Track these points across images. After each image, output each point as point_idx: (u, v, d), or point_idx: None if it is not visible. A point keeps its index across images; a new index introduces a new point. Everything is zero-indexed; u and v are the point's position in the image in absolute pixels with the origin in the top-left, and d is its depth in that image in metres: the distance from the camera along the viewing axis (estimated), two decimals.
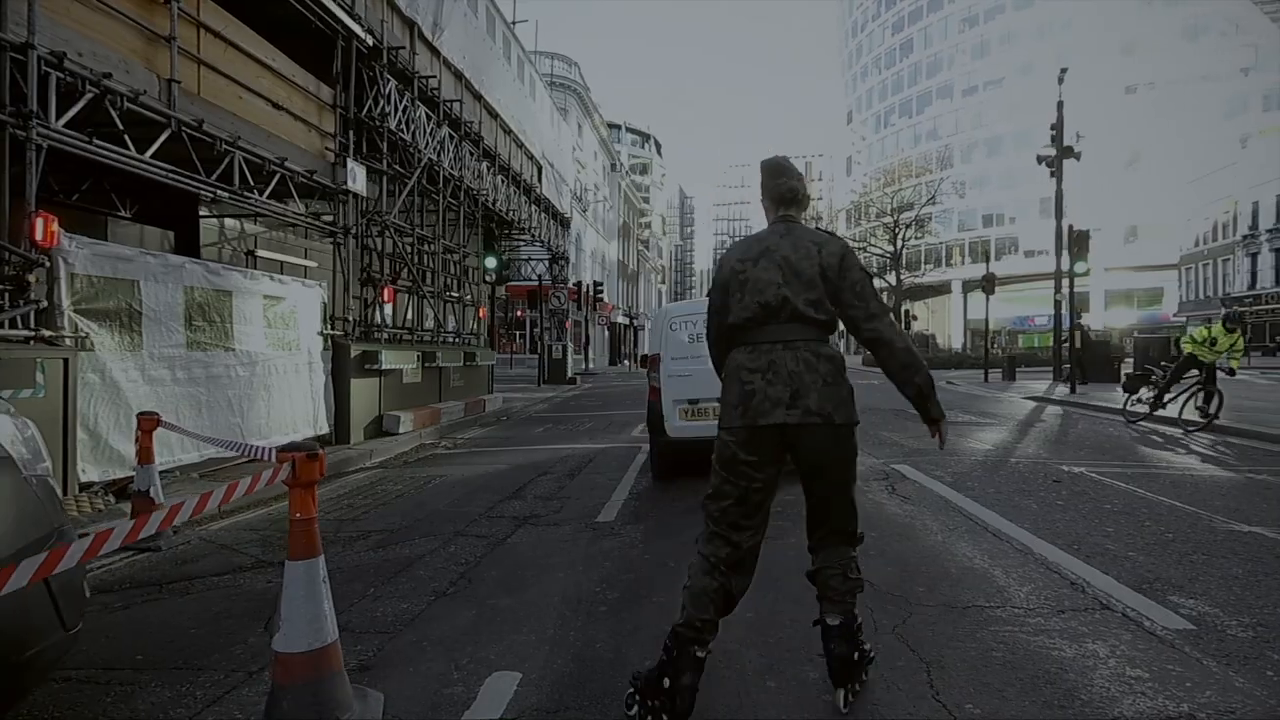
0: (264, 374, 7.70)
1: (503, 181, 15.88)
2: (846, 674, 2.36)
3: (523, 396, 17.14)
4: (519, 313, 30.78)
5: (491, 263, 15.39)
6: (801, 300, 2.28)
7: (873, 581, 3.44)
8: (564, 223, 21.72)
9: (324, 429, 8.83)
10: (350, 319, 9.48)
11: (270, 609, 3.30)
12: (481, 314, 14.44)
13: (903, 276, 52.42)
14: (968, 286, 65.05)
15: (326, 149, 9.37)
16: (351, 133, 9.75)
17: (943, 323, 67.87)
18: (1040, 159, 19.53)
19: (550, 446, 9.43)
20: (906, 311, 42.07)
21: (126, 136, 6.18)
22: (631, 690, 2.29)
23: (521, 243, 20.85)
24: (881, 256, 54.70)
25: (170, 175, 6.57)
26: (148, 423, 5.09)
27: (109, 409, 5.78)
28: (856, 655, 2.38)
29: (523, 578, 3.86)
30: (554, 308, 22.01)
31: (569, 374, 21.91)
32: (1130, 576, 3.51)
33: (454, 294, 13.31)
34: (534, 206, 18.37)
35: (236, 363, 7.27)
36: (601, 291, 28.74)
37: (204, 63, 7.19)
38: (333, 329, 9.18)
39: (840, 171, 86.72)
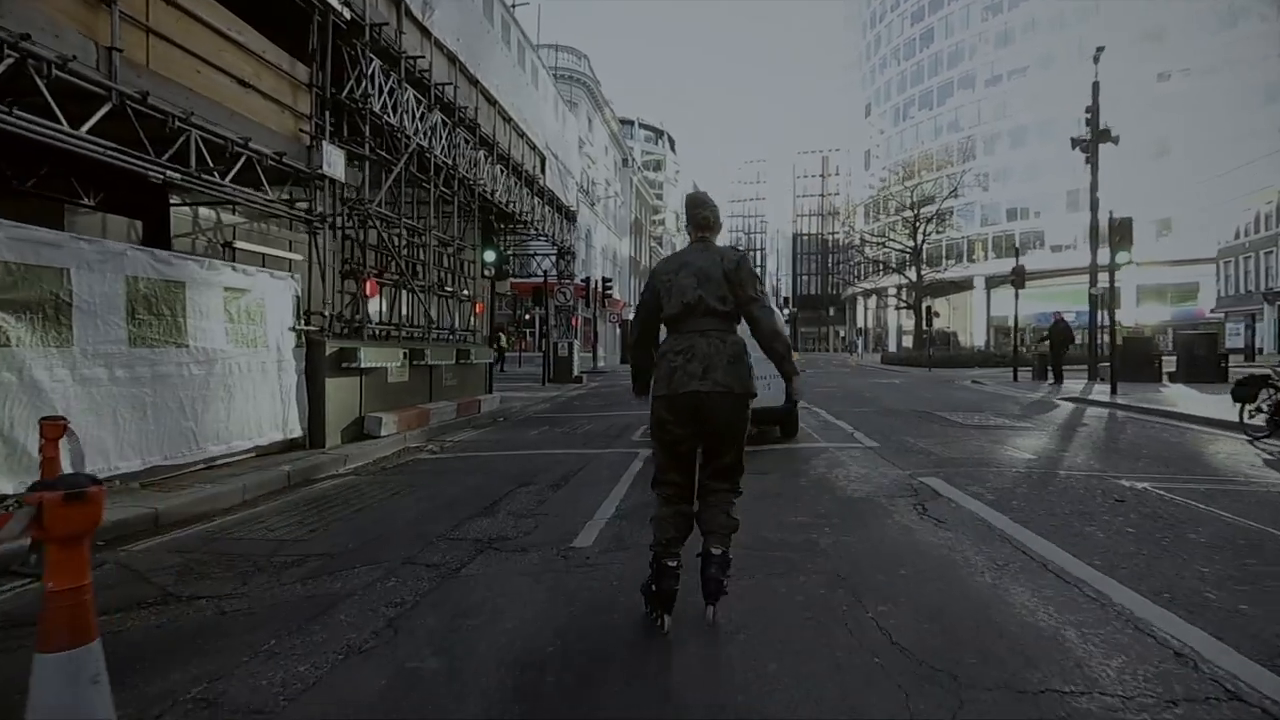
0: (224, 373, 7.04)
1: (502, 172, 15.18)
2: (716, 593, 3.10)
3: (524, 396, 16.46)
4: (528, 312, 30.12)
5: (490, 256, 14.71)
6: (712, 298, 3.07)
7: (903, 645, 2.66)
8: (570, 216, 21.01)
9: (295, 432, 8.17)
10: (327, 314, 8.81)
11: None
12: (479, 310, 13.75)
13: (923, 272, 51.20)
14: (991, 282, 63.65)
15: (301, 131, 8.70)
16: (329, 114, 9.08)
17: (964, 320, 66.38)
18: (1075, 143, 18.48)
19: (540, 452, 8.71)
20: (928, 308, 40.79)
21: (58, 110, 5.53)
22: (646, 595, 3.20)
23: (525, 237, 20.18)
24: (901, 252, 53.47)
25: (109, 153, 5.91)
26: (52, 430, 4.41)
27: (28, 412, 5.11)
28: (723, 579, 3.10)
29: (461, 629, 3.12)
30: (560, 304, 21.31)
31: (575, 372, 21.21)
32: (1254, 644, 2.67)
33: (448, 289, 12.62)
34: (537, 199, 17.67)
35: (190, 360, 6.62)
36: (611, 287, 27.99)
37: (154, 31, 6.52)
38: (308, 324, 8.52)
39: (858, 165, 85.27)
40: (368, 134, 9.78)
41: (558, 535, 4.70)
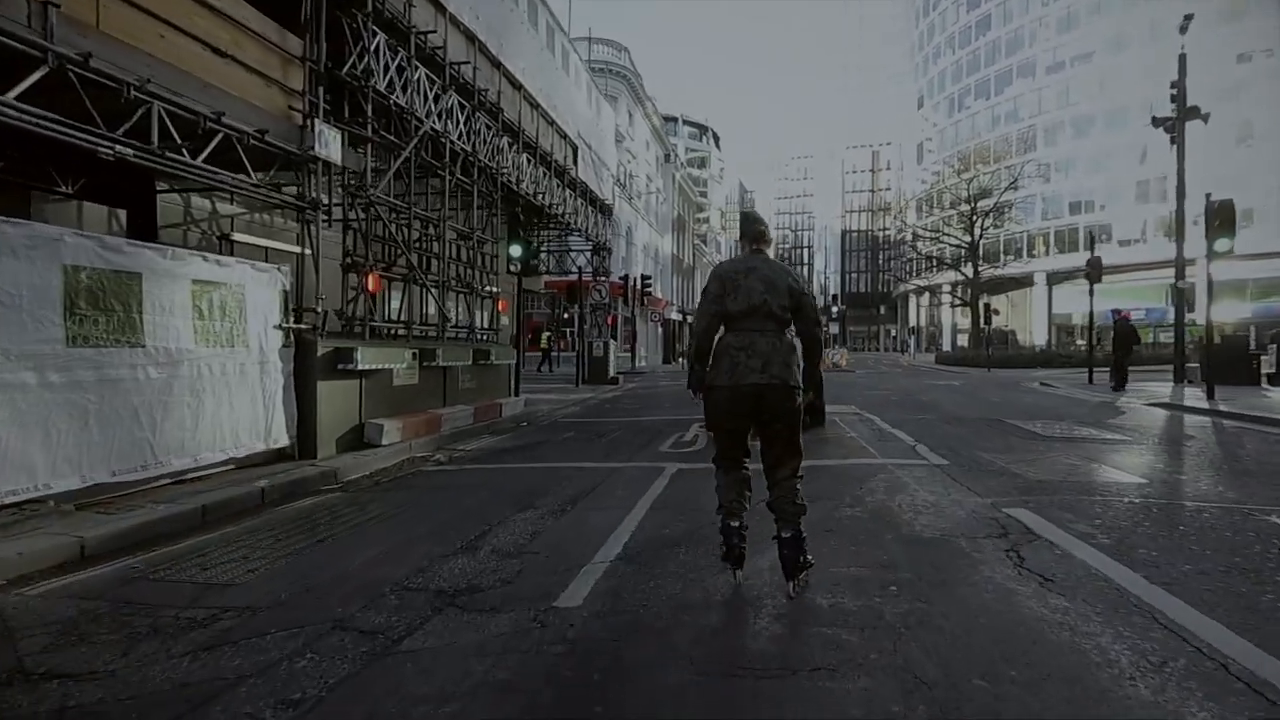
0: (192, 376, 6.24)
1: (529, 161, 14.29)
2: (793, 570, 3.46)
3: (554, 399, 15.54)
4: (566, 311, 29.28)
5: (516, 251, 13.83)
6: (775, 305, 3.51)
7: None
8: (605, 210, 20.04)
9: (282, 441, 7.36)
10: (320, 310, 7.98)
11: None
12: (502, 307, 12.87)
13: (980, 268, 48.81)
14: (1053, 278, 60.48)
15: (292, 109, 7.89)
16: (324, 91, 8.26)
17: (1024, 318, 63.24)
18: (1157, 122, 16.66)
19: (555, 465, 7.72)
20: (986, 305, 38.66)
21: None
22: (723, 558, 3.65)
23: (557, 232, 19.30)
24: (957, 247, 51.07)
25: (39, 124, 5.13)
26: None
27: None
28: (801, 559, 3.45)
29: None
30: (595, 302, 20.36)
31: (611, 373, 20.23)
32: None
33: (466, 284, 11.76)
34: (568, 191, 16.74)
35: (148, 362, 5.82)
36: (651, 285, 26.92)
37: None
38: (299, 322, 7.71)
39: (910, 159, 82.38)
40: (370, 114, 8.95)
41: (541, 587, 3.67)
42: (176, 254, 6.24)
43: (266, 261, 7.83)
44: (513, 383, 12.95)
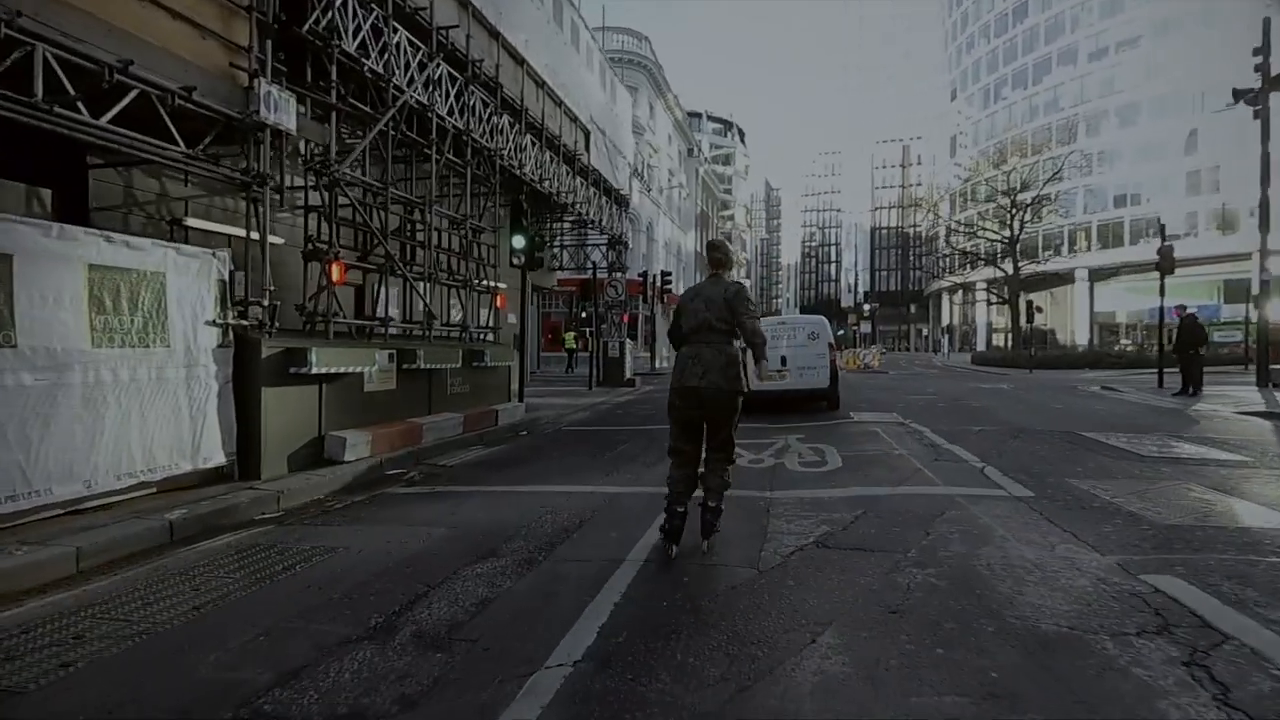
0: (86, 383, 5.06)
1: (533, 144, 13.05)
2: (708, 530, 4.30)
3: (562, 403, 14.28)
4: (584, 310, 28.03)
5: (519, 242, 12.58)
6: (715, 319, 4.23)
7: None
8: (620, 202, 18.74)
9: (215, 460, 6.17)
10: (269, 304, 6.79)
11: None
12: (500, 303, 11.62)
13: (1020, 264, 46.55)
14: (1096, 275, 57.82)
15: (236, 68, 6.72)
16: (278, 50, 7.10)
17: (1063, 316, 60.60)
18: (1238, 95, 14.88)
19: (542, 488, 6.42)
20: (1029, 303, 36.61)
21: None
22: (661, 530, 4.30)
23: (571, 224, 18.05)
24: (992, 244, 48.89)
25: None
26: None
27: None
28: (715, 523, 4.31)
29: None
30: (611, 300, 19.08)
31: (627, 375, 18.92)
32: None
33: (459, 277, 10.54)
34: (579, 179, 15.47)
35: (20, 366, 4.64)
36: (671, 282, 25.57)
37: None
38: (242, 317, 6.52)
39: (943, 153, 79.86)
40: (335, 79, 7.75)
41: (475, 707, 2.37)
42: (66, 232, 5.05)
43: (230, 248, 6.67)
44: (513, 386, 11.70)
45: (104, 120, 5.43)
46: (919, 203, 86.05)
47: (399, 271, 8.87)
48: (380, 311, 8.87)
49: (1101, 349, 46.37)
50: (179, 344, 5.84)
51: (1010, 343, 63.07)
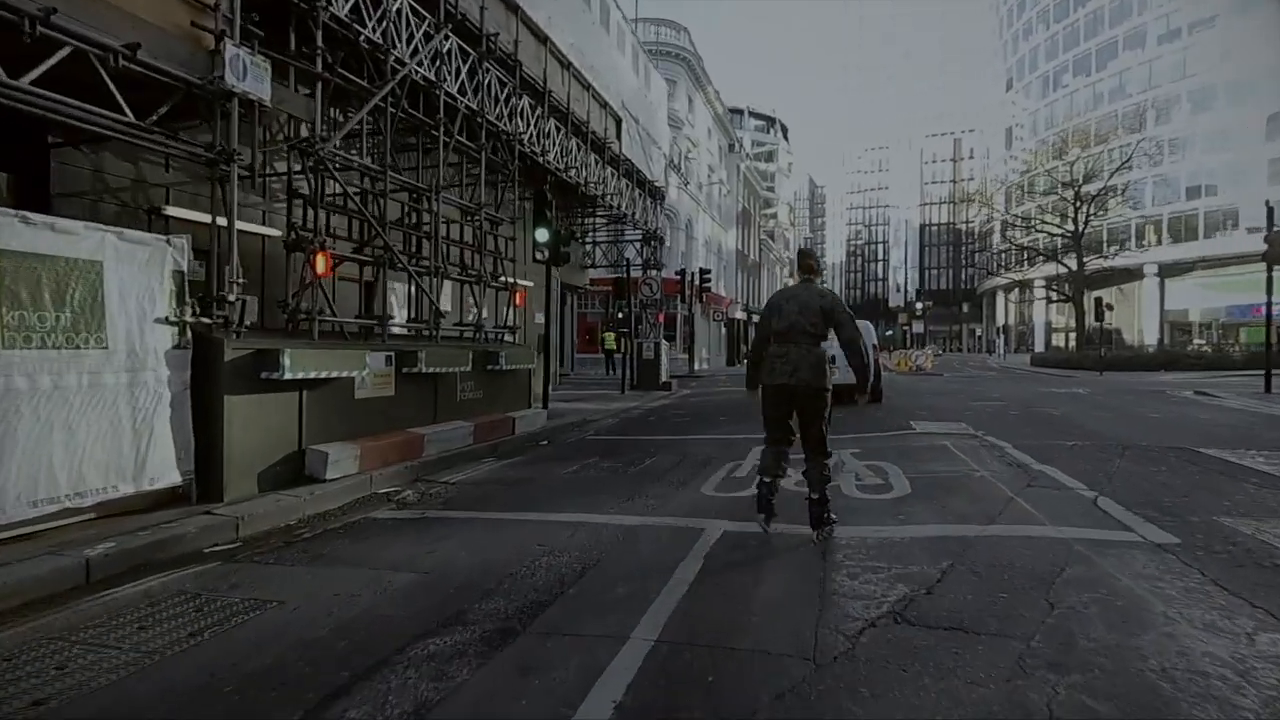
0: None
1: (558, 129, 12.07)
2: (817, 523, 4.54)
3: (591, 409, 13.27)
4: (621, 311, 27.00)
5: (543, 235, 11.62)
6: (806, 323, 4.50)
7: None
8: (655, 194, 17.65)
9: (169, 479, 5.28)
10: (238, 299, 5.91)
11: None
12: (519, 300, 10.64)
13: (1085, 259, 43.77)
14: (1167, 270, 54.41)
15: (199, 28, 5.87)
16: (249, 10, 6.22)
17: (1130, 315, 57.10)
18: None
19: (548, 516, 5.38)
20: (1098, 300, 34.29)
21: None
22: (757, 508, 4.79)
23: (605, 219, 17.05)
24: (1059, 236, 46.18)
25: None
26: None
27: None
28: (824, 514, 4.57)
29: None
30: (646, 298, 18.01)
31: (662, 378, 17.82)
32: None
33: (473, 272, 9.61)
34: (610, 170, 14.45)
35: None
36: (710, 280, 24.35)
37: None
38: (203, 314, 5.65)
39: (997, 145, 76.57)
40: (321, 45, 6.87)
41: None
42: None
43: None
44: (534, 390, 10.72)
45: (24, 81, 4.59)
46: (971, 198, 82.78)
47: (400, 265, 7.95)
48: (384, 309, 7.96)
49: (1173, 349, 43.55)
50: (120, 345, 4.97)
51: (1071, 343, 59.96)
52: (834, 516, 4.63)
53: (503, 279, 10.28)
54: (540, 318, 14.76)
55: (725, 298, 38.92)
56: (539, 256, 11.87)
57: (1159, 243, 56.02)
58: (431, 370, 8.01)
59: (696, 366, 28.81)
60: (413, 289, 8.96)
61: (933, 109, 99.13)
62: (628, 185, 15.47)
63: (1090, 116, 61.18)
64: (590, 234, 18.14)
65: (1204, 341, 49.43)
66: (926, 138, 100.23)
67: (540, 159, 11.41)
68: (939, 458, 7.45)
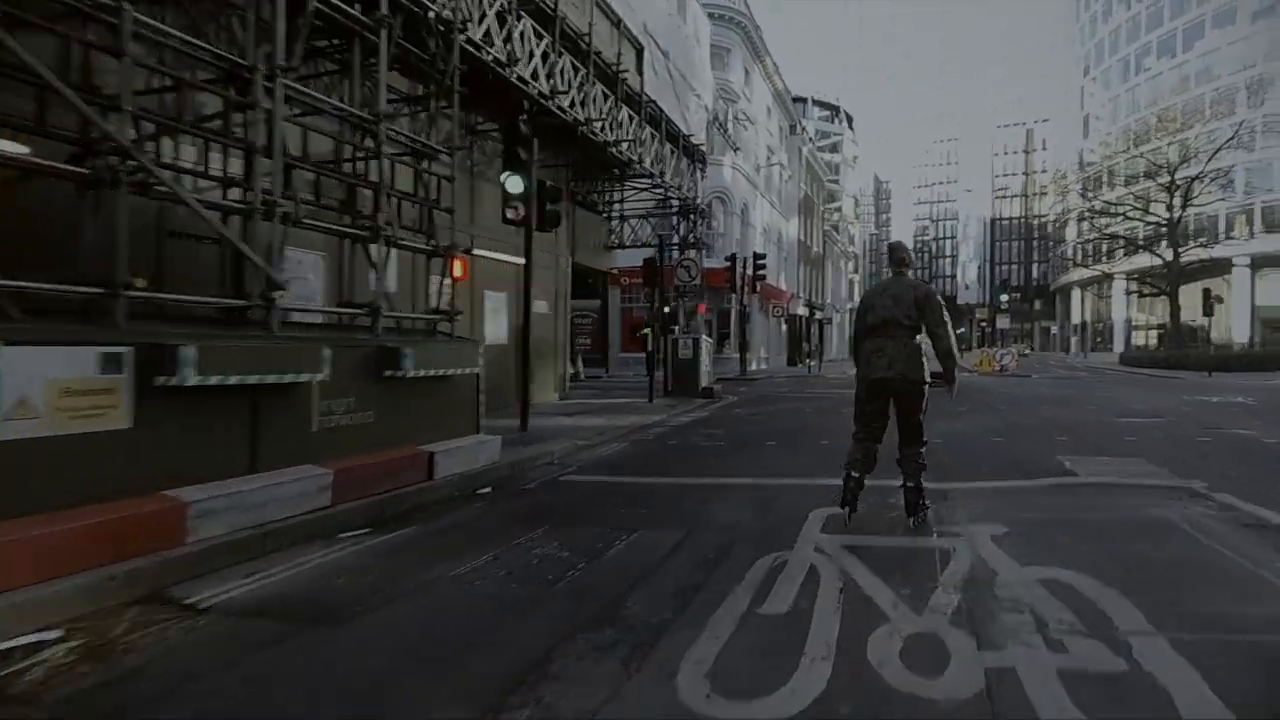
0: None
1: (537, 35, 8.05)
2: (912, 509, 4.26)
3: (598, 425, 9.25)
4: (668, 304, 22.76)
5: (516, 185, 7.66)
6: (901, 315, 4.22)
7: None
8: (693, 155, 13.39)
9: None
10: None
11: None
12: (457, 273, 6.58)
13: (1180, 250, 37.21)
14: (1258, 264, 46.48)
15: None
16: None
17: (1217, 311, 48.81)
18: None
19: None
20: (1206, 290, 28.10)
21: None
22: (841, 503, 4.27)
23: (631, 189, 12.96)
24: (1132, 230, 39.76)
25: None
26: None
27: None
28: (919, 501, 4.27)
29: None
30: (682, 284, 13.80)
31: (703, 382, 13.60)
32: None
33: (361, 224, 5.69)
34: (626, 111, 10.34)
35: None
36: (765, 267, 19.82)
37: None
38: None
39: (1073, 135, 68.15)
40: None
41: None
42: None
43: None
44: (482, 408, 6.67)
45: None
46: (1047, 189, 74.30)
47: (160, 188, 4.06)
48: (121, 268, 4.11)
49: (1265, 347, 37.53)
50: None
51: (1152, 341, 52.52)
52: (928, 502, 4.36)
53: (433, 243, 6.32)
54: (545, 306, 10.80)
55: (785, 291, 34.10)
56: (510, 215, 7.88)
57: (1250, 234, 47.94)
58: (232, 380, 4.10)
59: (756, 367, 24.36)
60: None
61: (1008, 102, 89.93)
62: (653, 137, 11.29)
63: (1175, 101, 53.02)
64: (613, 203, 14.06)
65: None
66: (997, 128, 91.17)
67: (508, 73, 7.42)
68: (1181, 552, 3.27)
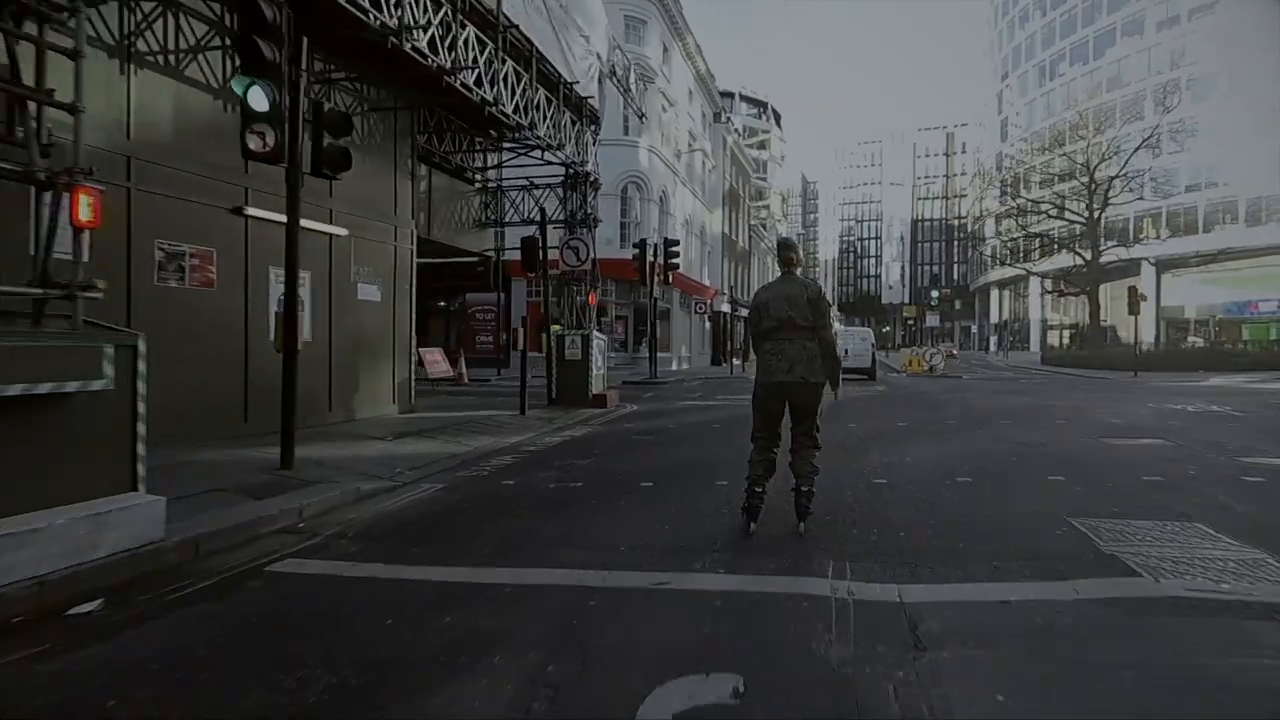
0: None
1: None
2: (802, 514, 4.18)
3: (422, 451, 6.64)
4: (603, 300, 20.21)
5: (258, 98, 5.02)
6: (798, 317, 4.18)
7: None
8: (577, 108, 10.88)
9: None
10: None
11: None
12: (84, 215, 3.91)
13: (1101, 250, 37.98)
14: (1165, 266, 48.23)
15: None
16: None
17: (1122, 311, 50.51)
18: None
19: None
20: (1132, 289, 27.93)
21: None
22: (742, 510, 4.21)
23: (509, 147, 10.35)
24: (1050, 231, 40.52)
25: None
26: None
27: None
28: (809, 505, 4.19)
29: None
30: (568, 271, 11.28)
31: (594, 388, 11.12)
32: None
33: None
34: (468, 28, 7.73)
35: None
36: (677, 255, 17.47)
37: None
38: None
39: (991, 138, 69.81)
40: None
41: None
42: None
43: None
44: (141, 446, 3.98)
45: None
46: (966, 191, 75.90)
47: None
48: None
49: (1169, 347, 39.11)
50: None
51: (1066, 341, 54.07)
52: (813, 510, 4.29)
53: (37, 166, 3.56)
54: (376, 290, 8.15)
55: (709, 287, 32.10)
56: (253, 145, 5.19)
57: (1157, 237, 49.82)
58: None
59: (674, 366, 22.07)
60: None
61: (929, 106, 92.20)
62: (518, 74, 8.70)
63: (1087, 106, 54.64)
64: (484, 168, 11.43)
65: (1200, 339, 44.01)
66: (919, 131, 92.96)
67: None
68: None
